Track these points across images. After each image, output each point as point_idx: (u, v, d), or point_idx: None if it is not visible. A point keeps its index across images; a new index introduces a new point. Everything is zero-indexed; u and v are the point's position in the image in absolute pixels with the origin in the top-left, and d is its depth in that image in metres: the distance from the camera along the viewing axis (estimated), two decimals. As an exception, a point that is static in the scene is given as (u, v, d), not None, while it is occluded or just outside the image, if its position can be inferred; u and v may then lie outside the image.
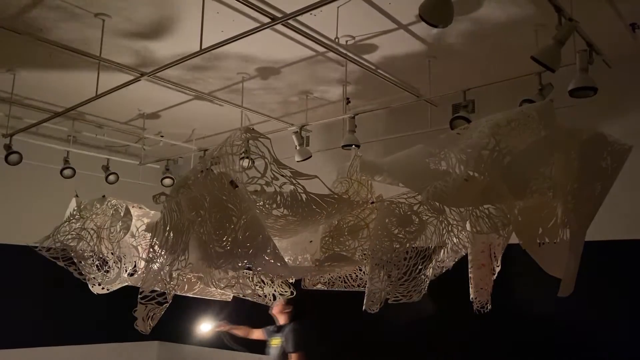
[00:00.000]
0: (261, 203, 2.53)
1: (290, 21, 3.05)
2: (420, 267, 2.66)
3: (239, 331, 5.34)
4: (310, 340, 4.86)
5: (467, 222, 2.49)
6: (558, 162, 2.29)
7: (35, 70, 4.57)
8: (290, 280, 3.09)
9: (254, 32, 3.09)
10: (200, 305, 5.30)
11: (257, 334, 5.25)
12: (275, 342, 4.91)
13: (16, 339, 5.86)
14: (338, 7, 3.41)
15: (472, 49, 3.98)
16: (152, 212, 3.82)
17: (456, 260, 2.86)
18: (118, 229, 3.74)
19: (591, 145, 2.31)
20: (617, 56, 3.55)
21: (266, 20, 3.03)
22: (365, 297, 2.65)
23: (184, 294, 3.38)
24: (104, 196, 3.96)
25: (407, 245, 2.58)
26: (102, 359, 6.57)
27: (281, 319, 4.93)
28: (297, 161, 4.56)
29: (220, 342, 5.53)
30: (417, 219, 2.54)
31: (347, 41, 3.85)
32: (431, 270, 2.77)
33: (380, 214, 2.69)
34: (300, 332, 4.80)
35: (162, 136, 6.10)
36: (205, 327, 5.40)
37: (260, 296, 3.01)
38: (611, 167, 2.32)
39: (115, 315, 5.28)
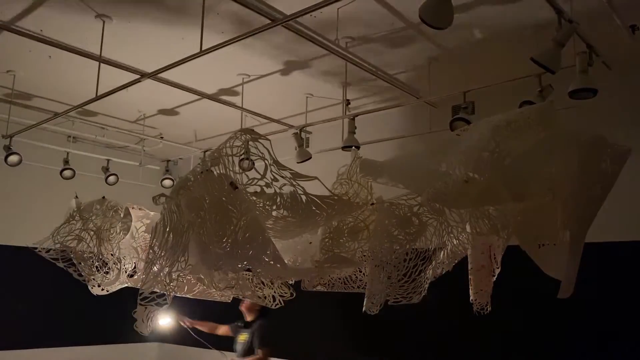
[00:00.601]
0: (261, 204, 2.53)
1: (290, 22, 3.05)
2: (420, 268, 2.66)
3: (204, 327, 5.34)
4: (277, 337, 4.98)
5: (467, 223, 2.49)
6: (558, 164, 2.29)
7: (35, 71, 4.57)
8: (290, 282, 3.09)
9: (254, 34, 3.09)
10: (199, 307, 5.30)
11: (223, 330, 5.31)
12: (243, 337, 4.99)
13: (16, 340, 5.85)
14: (338, 9, 3.41)
15: (472, 50, 3.99)
16: (152, 213, 3.82)
17: (456, 261, 2.85)
18: (118, 230, 3.74)
19: (591, 147, 2.31)
20: (617, 58, 3.55)
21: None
22: (365, 299, 2.65)
23: (183, 296, 3.38)
24: (103, 197, 3.96)
25: (407, 246, 2.58)
26: (101, 360, 6.57)
27: (249, 316, 5.00)
28: (297, 162, 4.56)
29: (220, 343, 5.51)
30: (417, 221, 2.54)
31: (347, 43, 3.86)
32: (431, 271, 2.76)
33: (380, 216, 2.69)
34: (268, 328, 4.90)
35: (162, 137, 6.10)
36: (164, 320, 5.29)
37: (260, 297, 3.01)
38: (611, 169, 2.32)
39: (115, 317, 5.28)
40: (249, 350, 4.89)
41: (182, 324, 5.27)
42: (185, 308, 5.42)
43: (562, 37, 2.71)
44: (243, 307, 4.99)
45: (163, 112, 5.54)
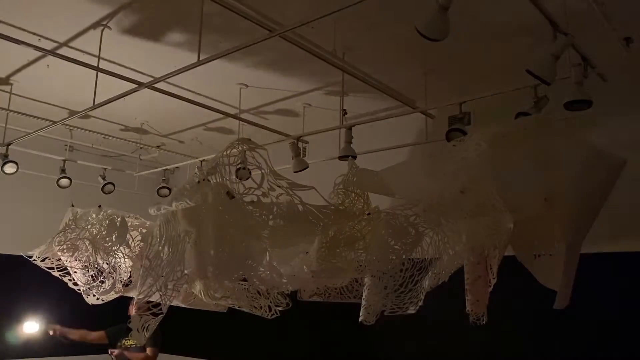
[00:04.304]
0: (257, 214, 2.53)
1: (287, 33, 3.06)
2: (416, 278, 2.66)
3: (74, 335, 5.23)
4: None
5: (463, 234, 2.50)
6: (554, 174, 2.30)
7: (32, 79, 4.58)
8: (286, 292, 3.08)
9: (252, 45, 3.11)
10: (194, 317, 5.28)
11: (96, 336, 5.26)
12: (131, 341, 5.02)
13: (9, 349, 5.80)
14: (335, 20, 3.43)
15: (469, 62, 4.01)
16: (148, 222, 3.81)
17: (452, 272, 2.86)
18: (114, 239, 3.73)
19: (587, 158, 2.32)
20: (612, 70, 3.58)
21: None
22: (361, 309, 2.64)
23: (179, 305, 3.36)
24: (99, 206, 3.95)
25: (403, 256, 2.59)
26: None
27: None
28: (294, 172, 4.56)
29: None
30: (413, 231, 2.54)
31: (344, 53, 3.88)
32: (427, 281, 2.76)
33: (377, 226, 2.69)
34: (159, 331, 4.95)
35: (158, 146, 6.10)
36: (31, 326, 5.05)
37: (255, 307, 3.00)
38: (606, 180, 2.34)
39: (113, 324, 5.24)
40: (143, 350, 5.03)
41: (52, 332, 5.11)
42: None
43: (557, 49, 2.73)
44: (134, 311, 4.83)
45: (160, 120, 5.55)
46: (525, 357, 4.19)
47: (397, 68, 4.15)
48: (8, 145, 4.93)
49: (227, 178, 2.49)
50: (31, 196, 6.12)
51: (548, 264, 2.34)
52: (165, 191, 5.97)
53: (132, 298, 3.75)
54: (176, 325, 5.49)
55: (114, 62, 4.12)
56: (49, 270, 3.77)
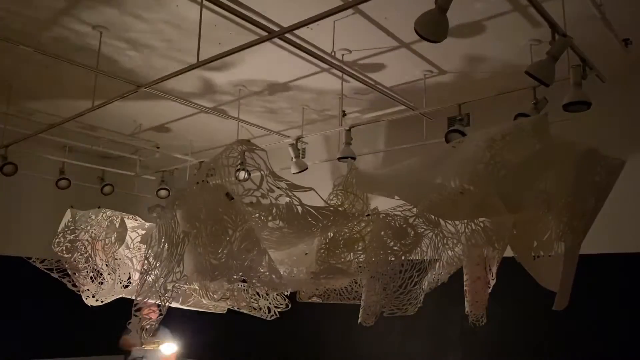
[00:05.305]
0: (257, 215, 2.53)
1: (286, 35, 3.06)
2: (415, 279, 2.66)
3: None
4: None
5: (462, 235, 2.50)
6: (552, 176, 2.30)
7: (32, 80, 4.58)
8: (285, 293, 3.08)
9: (250, 46, 3.11)
10: (191, 318, 5.27)
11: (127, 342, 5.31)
12: (155, 345, 5.11)
13: (6, 352, 5.80)
14: (334, 21, 3.44)
15: (468, 63, 4.02)
16: (148, 223, 3.81)
17: (451, 273, 2.86)
18: (113, 241, 3.73)
19: (585, 159, 2.32)
20: (611, 71, 3.59)
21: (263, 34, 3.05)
22: (360, 310, 2.64)
23: (178, 307, 3.36)
24: (99, 207, 3.95)
25: (403, 257, 2.59)
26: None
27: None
28: (293, 173, 4.56)
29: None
30: (412, 232, 2.54)
31: (343, 55, 3.88)
32: (426, 283, 2.77)
33: (376, 227, 2.69)
34: (173, 334, 5.24)
35: (157, 147, 6.10)
36: (169, 348, 5.24)
37: (255, 309, 3.00)
38: (605, 181, 2.34)
39: (112, 327, 5.24)
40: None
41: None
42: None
43: (556, 51, 2.74)
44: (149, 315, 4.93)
45: (159, 122, 5.55)
46: (525, 357, 4.19)
47: (396, 69, 4.16)
48: (7, 146, 4.93)
49: (227, 179, 2.49)
50: (30, 197, 6.12)
51: (547, 265, 2.34)
52: (165, 192, 5.97)
53: None
54: (175, 326, 5.49)
55: (113, 64, 4.12)
56: (48, 272, 3.77)
